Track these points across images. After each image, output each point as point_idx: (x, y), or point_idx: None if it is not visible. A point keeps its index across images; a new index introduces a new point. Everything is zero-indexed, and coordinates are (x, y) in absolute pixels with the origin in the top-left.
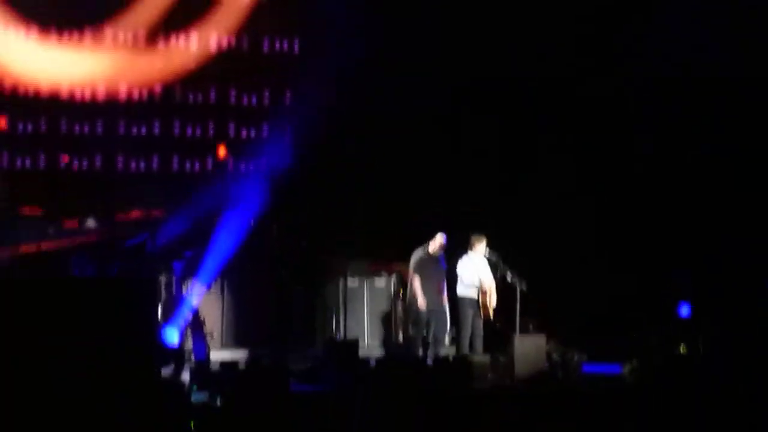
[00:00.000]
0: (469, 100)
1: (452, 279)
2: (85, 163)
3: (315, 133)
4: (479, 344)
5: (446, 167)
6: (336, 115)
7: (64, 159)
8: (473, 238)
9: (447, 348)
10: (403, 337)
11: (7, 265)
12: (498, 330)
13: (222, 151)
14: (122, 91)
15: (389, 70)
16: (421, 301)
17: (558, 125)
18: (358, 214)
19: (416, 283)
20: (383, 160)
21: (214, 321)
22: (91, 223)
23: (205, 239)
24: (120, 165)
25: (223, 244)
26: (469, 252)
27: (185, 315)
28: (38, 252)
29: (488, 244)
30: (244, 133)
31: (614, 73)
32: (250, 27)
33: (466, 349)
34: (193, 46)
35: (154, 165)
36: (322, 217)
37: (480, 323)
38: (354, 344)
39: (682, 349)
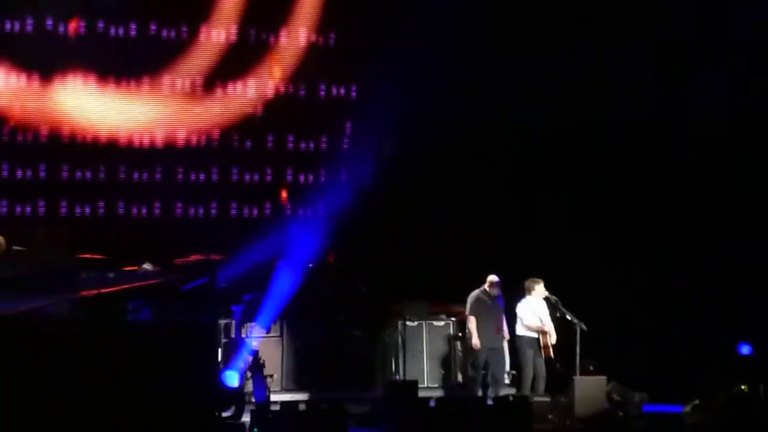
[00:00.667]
0: (523, 145)
1: (512, 320)
2: (143, 210)
3: (372, 177)
4: (541, 385)
5: (502, 211)
6: (393, 159)
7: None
8: (530, 282)
9: (506, 388)
10: (463, 377)
11: (68, 309)
12: (558, 371)
13: (284, 195)
14: (180, 138)
15: (444, 113)
16: (476, 342)
17: (613, 170)
18: (416, 257)
19: (472, 325)
20: (440, 203)
21: (273, 364)
22: (149, 267)
23: (264, 283)
24: (179, 211)
25: (281, 287)
26: (527, 296)
27: (245, 358)
28: (97, 296)
29: (546, 287)
30: (301, 178)
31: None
32: (307, 73)
33: (527, 390)
34: (251, 92)
35: (213, 211)
36: (380, 261)
37: (542, 363)
38: (413, 385)
39: (743, 388)
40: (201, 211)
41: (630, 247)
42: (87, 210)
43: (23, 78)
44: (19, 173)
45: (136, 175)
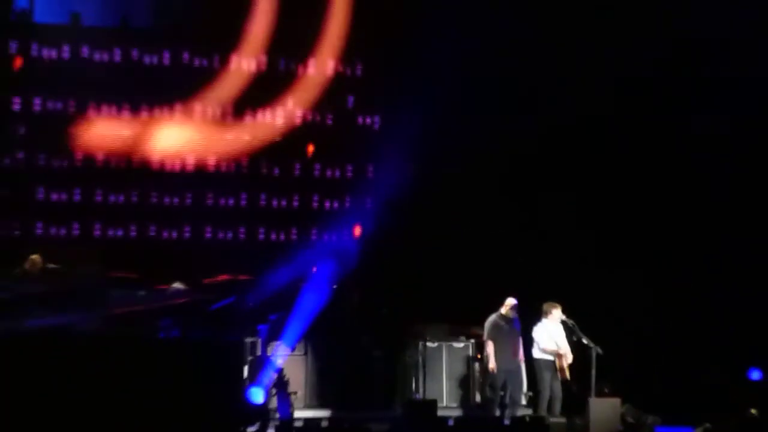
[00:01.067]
0: (538, 173)
1: (529, 343)
2: (174, 233)
3: (395, 205)
4: (557, 406)
5: (522, 236)
6: (415, 187)
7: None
8: (548, 305)
9: (523, 409)
10: (481, 397)
11: (99, 325)
12: (574, 393)
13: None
14: (210, 164)
15: (464, 145)
16: (493, 366)
17: (621, 199)
18: (436, 281)
19: (489, 348)
20: (459, 229)
21: (297, 381)
22: (179, 286)
23: (290, 304)
24: (208, 235)
25: (306, 308)
26: (544, 319)
27: (270, 375)
28: (128, 314)
29: (563, 311)
30: (327, 204)
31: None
32: (334, 103)
33: (543, 411)
34: (279, 120)
35: (241, 235)
36: (402, 284)
37: (558, 385)
38: (433, 404)
39: (753, 412)
40: (230, 235)
41: (647, 273)
42: (120, 232)
43: (59, 104)
44: (55, 196)
45: (167, 200)
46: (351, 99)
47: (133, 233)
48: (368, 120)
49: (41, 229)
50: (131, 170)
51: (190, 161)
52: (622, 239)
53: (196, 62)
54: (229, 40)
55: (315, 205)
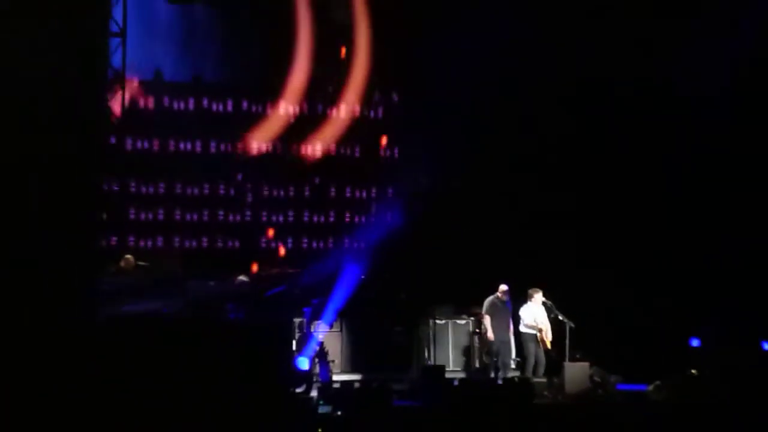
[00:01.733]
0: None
1: (516, 320)
2: (237, 243)
3: (410, 216)
4: (540, 370)
5: (513, 234)
6: (425, 202)
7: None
8: (532, 290)
9: (513, 371)
10: (479, 363)
11: (180, 309)
12: (553, 359)
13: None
14: (264, 189)
15: (467, 156)
16: (491, 335)
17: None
18: (444, 271)
19: (487, 322)
20: (463, 231)
21: (335, 352)
22: (243, 277)
23: (328, 290)
24: (263, 245)
25: (341, 294)
26: (529, 302)
27: (313, 347)
28: (204, 299)
29: (544, 294)
30: (356, 219)
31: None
32: (360, 137)
33: (529, 373)
34: (317, 153)
35: (289, 245)
36: (417, 274)
37: (541, 353)
38: (441, 369)
39: (693, 372)
40: (280, 243)
41: (611, 266)
42: (194, 243)
43: (146, 143)
44: (143, 216)
45: (231, 217)
46: (374, 135)
47: (205, 244)
48: (389, 152)
49: (133, 242)
50: (203, 195)
51: (249, 187)
52: (591, 238)
53: (254, 109)
54: (277, 90)
55: (347, 219)
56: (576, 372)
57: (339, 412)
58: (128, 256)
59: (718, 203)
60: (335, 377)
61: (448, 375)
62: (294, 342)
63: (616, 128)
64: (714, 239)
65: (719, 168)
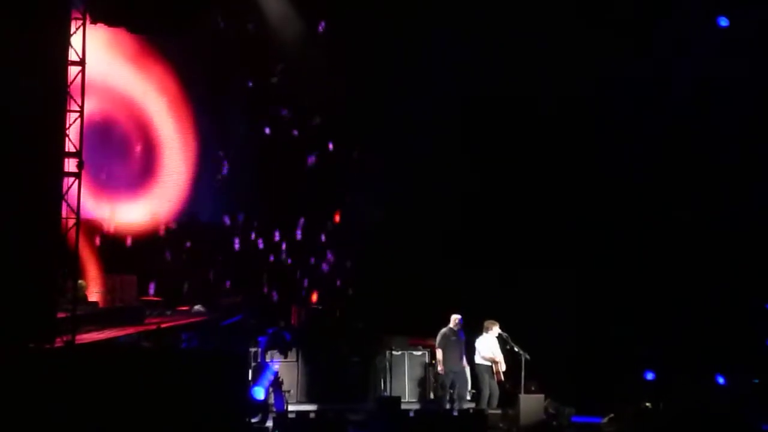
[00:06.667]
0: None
1: (471, 352)
2: None
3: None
4: (495, 401)
5: (466, 269)
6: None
7: None
8: (488, 323)
9: (468, 403)
10: (434, 394)
11: (135, 338)
12: (508, 390)
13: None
14: None
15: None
16: (441, 368)
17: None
18: (400, 303)
19: (439, 355)
20: (415, 266)
21: (290, 381)
22: (198, 307)
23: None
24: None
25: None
26: (485, 333)
27: (269, 377)
28: (158, 329)
29: (500, 327)
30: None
31: None
32: None
33: (484, 405)
34: None
35: None
36: (373, 306)
37: (495, 385)
38: (397, 400)
39: (647, 405)
40: None
41: (564, 297)
42: None
43: None
44: None
45: None
46: None
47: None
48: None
49: None
50: None
51: None
52: (548, 269)
53: None
54: None
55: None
56: (531, 404)
57: None
58: (81, 281)
59: (679, 232)
60: (291, 407)
61: (403, 406)
62: (250, 371)
63: (563, 151)
64: (671, 274)
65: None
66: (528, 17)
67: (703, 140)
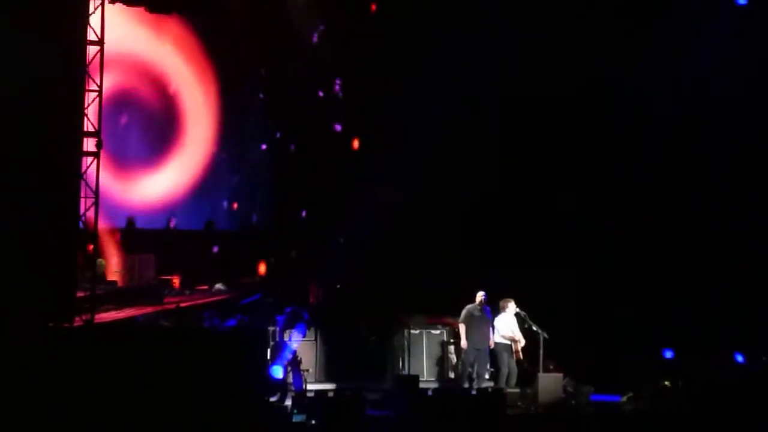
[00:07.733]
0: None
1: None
2: None
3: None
4: (513, 380)
5: (489, 248)
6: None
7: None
8: (503, 301)
9: (487, 382)
10: (453, 373)
11: (155, 317)
12: (526, 369)
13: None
14: None
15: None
16: (464, 343)
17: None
18: (419, 281)
19: (461, 331)
20: (438, 248)
21: (309, 361)
22: (219, 286)
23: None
24: None
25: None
26: (502, 313)
27: (287, 356)
28: (177, 308)
29: (516, 304)
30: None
31: None
32: None
33: (502, 383)
34: None
35: None
36: (392, 284)
37: (514, 363)
38: (416, 379)
39: (666, 383)
40: None
41: (584, 271)
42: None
43: None
44: None
45: None
46: None
47: None
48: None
49: None
50: None
51: None
52: (566, 248)
53: None
54: None
55: None
56: (549, 383)
57: (313, 421)
58: (100, 260)
59: (695, 212)
60: (309, 386)
61: (422, 385)
62: (268, 350)
63: (575, 138)
64: (690, 252)
65: (683, 174)
66: (528, 18)
67: (702, 140)
